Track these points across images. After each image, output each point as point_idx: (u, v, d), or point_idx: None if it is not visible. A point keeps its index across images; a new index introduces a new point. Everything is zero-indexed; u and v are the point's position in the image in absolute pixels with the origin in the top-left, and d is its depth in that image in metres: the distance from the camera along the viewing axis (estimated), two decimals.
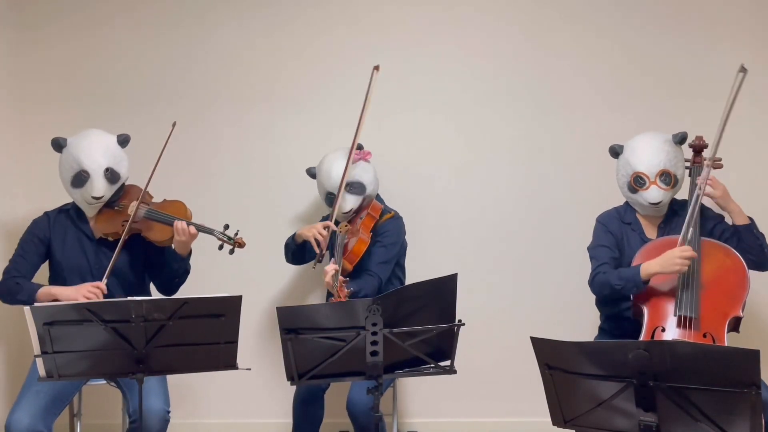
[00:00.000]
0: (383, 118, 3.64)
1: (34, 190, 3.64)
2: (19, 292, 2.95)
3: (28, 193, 3.66)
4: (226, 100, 3.75)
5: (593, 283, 2.99)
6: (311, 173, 3.42)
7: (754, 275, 2.90)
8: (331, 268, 2.98)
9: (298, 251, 3.36)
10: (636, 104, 3.64)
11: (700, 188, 2.88)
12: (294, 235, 3.34)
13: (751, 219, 2.95)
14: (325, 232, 3.15)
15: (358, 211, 3.26)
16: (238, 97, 3.75)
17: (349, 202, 3.23)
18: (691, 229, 2.80)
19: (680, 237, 2.81)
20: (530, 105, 3.71)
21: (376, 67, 3.25)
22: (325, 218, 3.32)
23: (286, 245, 3.39)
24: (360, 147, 3.32)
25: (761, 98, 3.59)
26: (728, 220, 3.04)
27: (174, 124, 3.06)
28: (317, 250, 3.16)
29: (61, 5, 3.75)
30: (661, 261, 2.79)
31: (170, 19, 3.76)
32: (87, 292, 2.87)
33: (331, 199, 3.27)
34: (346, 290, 2.89)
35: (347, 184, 3.23)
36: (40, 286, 2.97)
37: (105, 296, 2.89)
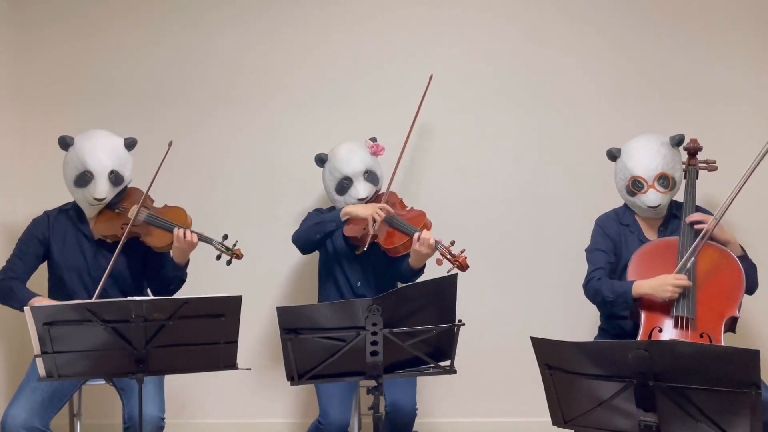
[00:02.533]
0: (382, 119, 3.65)
1: (35, 191, 3.63)
2: (13, 298, 2.94)
3: (29, 195, 3.65)
4: (227, 104, 3.74)
5: (587, 288, 3.00)
6: (321, 158, 3.33)
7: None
8: (426, 233, 2.99)
9: (333, 233, 3.18)
10: (636, 105, 3.64)
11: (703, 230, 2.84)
12: (332, 215, 3.17)
13: (743, 248, 2.93)
14: (383, 213, 3.07)
15: (369, 201, 3.25)
16: (239, 101, 3.74)
17: (365, 190, 3.23)
18: (693, 259, 2.78)
19: (679, 264, 2.80)
20: (529, 106, 3.71)
21: (431, 77, 3.41)
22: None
23: (319, 224, 3.15)
24: (374, 139, 3.34)
25: (758, 101, 3.61)
26: None
27: (170, 144, 3.00)
28: (371, 231, 3.05)
29: (63, 7, 3.75)
30: (653, 284, 2.79)
31: (172, 22, 3.75)
32: None
33: (344, 185, 3.23)
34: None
35: (366, 172, 3.24)
36: (34, 295, 2.94)
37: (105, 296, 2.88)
